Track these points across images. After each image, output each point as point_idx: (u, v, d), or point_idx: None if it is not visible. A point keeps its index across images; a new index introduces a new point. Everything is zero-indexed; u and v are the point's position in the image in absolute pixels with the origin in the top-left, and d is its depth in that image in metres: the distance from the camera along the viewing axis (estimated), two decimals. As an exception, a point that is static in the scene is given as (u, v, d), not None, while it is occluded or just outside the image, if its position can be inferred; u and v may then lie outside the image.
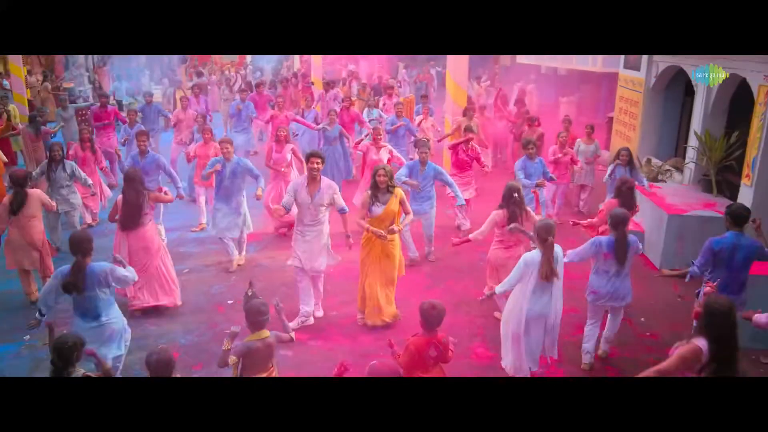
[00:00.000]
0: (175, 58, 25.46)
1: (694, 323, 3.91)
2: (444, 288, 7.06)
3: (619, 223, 5.18)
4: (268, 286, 6.91)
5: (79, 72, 21.67)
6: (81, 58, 23.64)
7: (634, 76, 11.50)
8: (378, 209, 5.97)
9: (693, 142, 9.17)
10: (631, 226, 5.88)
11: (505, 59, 23.63)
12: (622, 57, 12.10)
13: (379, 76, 20.79)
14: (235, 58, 28.10)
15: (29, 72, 19.76)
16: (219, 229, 7.46)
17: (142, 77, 22.16)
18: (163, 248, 6.51)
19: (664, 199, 8.12)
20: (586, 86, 17.68)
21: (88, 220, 9.08)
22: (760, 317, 4.27)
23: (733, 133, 8.35)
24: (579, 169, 9.52)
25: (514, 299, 5.01)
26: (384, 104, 13.04)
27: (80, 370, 3.64)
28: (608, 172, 8.07)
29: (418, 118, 11.80)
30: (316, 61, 20.15)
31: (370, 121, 11.46)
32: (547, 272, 4.75)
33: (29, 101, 16.53)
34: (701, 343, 3.45)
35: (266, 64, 28.13)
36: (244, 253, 7.85)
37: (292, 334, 4.21)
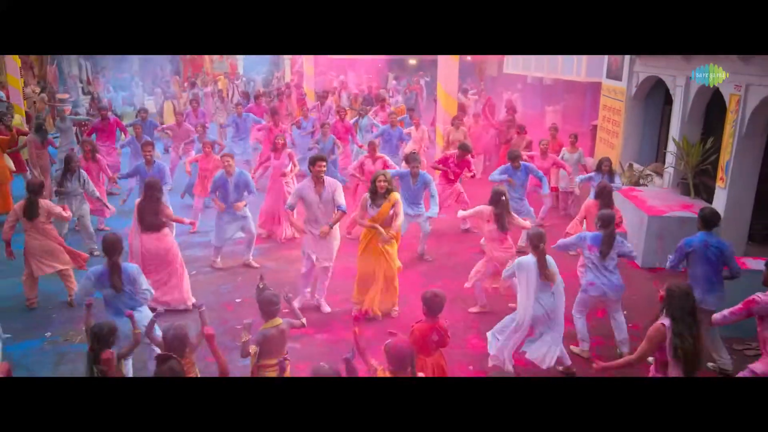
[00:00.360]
0: (167, 69, 25.80)
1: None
2: (440, 285, 7.39)
3: (608, 222, 5.71)
4: (273, 286, 7.27)
5: (73, 83, 21.92)
6: (75, 69, 23.91)
7: (616, 86, 12.04)
8: (373, 211, 6.48)
9: (672, 147, 9.70)
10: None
11: (491, 69, 24.20)
12: (605, 67, 12.65)
13: (368, 86, 21.31)
14: (227, 68, 28.49)
15: (24, 83, 19.98)
16: (220, 238, 7.93)
17: (135, 88, 22.46)
18: (178, 252, 6.89)
19: (645, 202, 8.62)
20: (570, 95, 18.21)
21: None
22: (716, 316, 4.75)
23: (709, 138, 8.88)
24: (564, 176, 10.02)
25: (522, 302, 5.43)
26: (377, 116, 13.52)
27: (114, 353, 4.04)
28: (584, 176, 8.58)
29: (408, 129, 12.26)
30: (308, 71, 20.62)
31: (363, 127, 12.00)
32: (546, 274, 5.22)
33: (26, 112, 16.80)
34: (665, 321, 3.97)
35: (257, 75, 28.57)
36: (252, 255, 8.22)
37: (303, 320, 4.59)
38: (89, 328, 4.08)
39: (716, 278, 5.49)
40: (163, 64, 26.20)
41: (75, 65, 24.05)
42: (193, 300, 6.82)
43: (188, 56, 26.56)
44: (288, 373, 4.32)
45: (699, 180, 9.10)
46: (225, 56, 29.15)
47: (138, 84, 22.76)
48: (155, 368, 3.76)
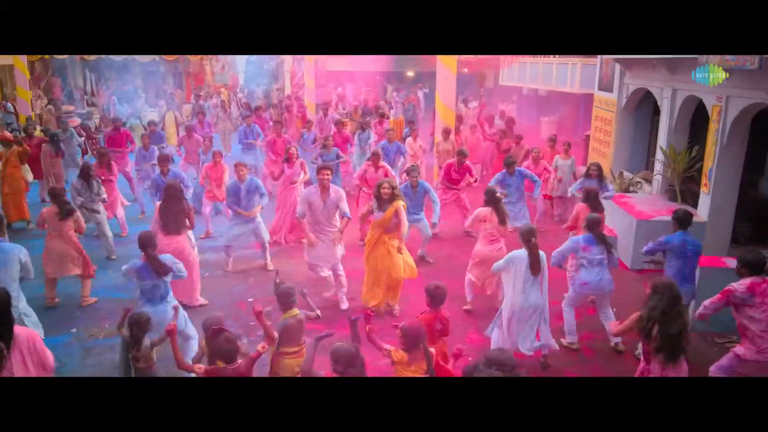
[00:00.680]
0: (170, 82, 26.31)
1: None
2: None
3: (595, 225, 6.23)
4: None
5: (79, 95, 22.41)
6: (80, 81, 24.40)
7: (607, 97, 12.54)
8: (378, 215, 6.95)
9: (659, 156, 10.18)
10: (605, 231, 6.93)
11: (488, 81, 24.81)
12: (597, 79, 13.17)
13: (365, 99, 21.92)
14: (228, 80, 29.03)
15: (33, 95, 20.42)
16: (230, 239, 8.42)
17: (137, 100, 22.94)
18: (194, 254, 7.33)
19: (634, 207, 9.08)
20: (565, 106, 18.77)
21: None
22: (699, 310, 5.15)
23: (694, 147, 9.36)
24: (557, 183, 10.50)
25: (509, 294, 5.90)
26: (375, 129, 14.06)
27: (147, 339, 4.47)
28: (577, 183, 9.05)
29: (408, 140, 12.75)
30: (309, 84, 21.13)
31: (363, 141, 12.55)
32: (535, 267, 5.67)
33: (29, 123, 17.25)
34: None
35: (257, 86, 29.14)
36: (269, 258, 8.68)
37: (318, 312, 5.03)
38: (129, 316, 4.52)
39: (689, 273, 6.01)
40: (165, 77, 26.75)
41: (80, 77, 24.56)
42: (202, 300, 7.31)
43: (191, 69, 27.04)
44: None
45: (685, 186, 9.58)
46: (226, 69, 29.74)
47: (141, 96, 23.25)
48: (210, 342, 4.04)
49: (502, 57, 19.40)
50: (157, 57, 23.51)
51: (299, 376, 4.45)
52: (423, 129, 16.66)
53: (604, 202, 7.84)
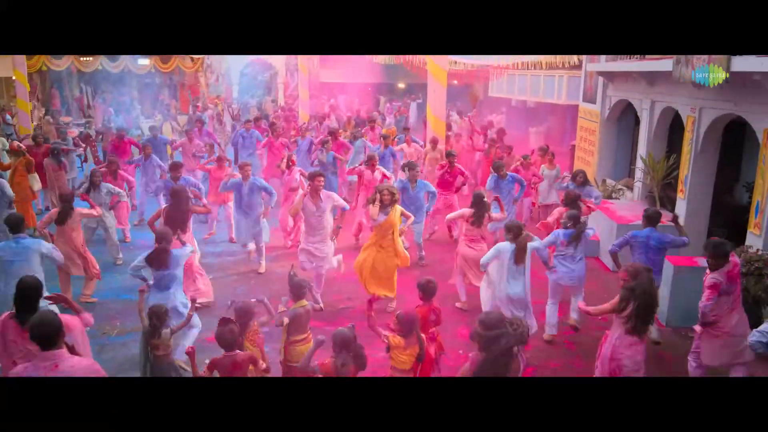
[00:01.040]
0: (166, 94, 26.74)
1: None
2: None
3: (573, 220, 6.83)
4: (282, 288, 8.17)
5: (77, 105, 22.81)
6: (77, 92, 24.83)
7: (591, 109, 13.09)
8: (381, 218, 7.41)
9: (640, 164, 10.71)
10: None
11: (478, 92, 25.38)
12: (581, 91, 13.72)
13: (358, 110, 22.52)
14: (223, 92, 29.47)
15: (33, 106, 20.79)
16: (240, 238, 8.95)
17: (133, 111, 23.34)
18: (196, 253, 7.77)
19: (615, 213, 9.59)
20: (552, 117, 19.32)
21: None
22: (701, 309, 5.48)
23: (672, 155, 9.89)
24: (543, 190, 11.01)
25: (491, 285, 6.40)
26: (368, 136, 14.55)
27: (168, 329, 4.90)
28: (564, 184, 9.56)
29: (400, 146, 13.24)
30: (303, 95, 21.66)
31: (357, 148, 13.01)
32: (519, 257, 6.23)
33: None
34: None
35: (252, 98, 29.61)
36: (263, 261, 9.11)
37: (321, 305, 5.50)
38: (149, 308, 4.95)
39: (655, 266, 6.49)
40: (161, 89, 27.20)
41: (76, 89, 25.00)
42: (204, 299, 7.68)
43: (185, 81, 27.48)
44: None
45: (664, 193, 10.09)
46: (220, 80, 30.19)
47: (136, 107, 23.67)
48: (219, 325, 4.47)
49: (491, 69, 19.94)
50: (152, 68, 23.91)
51: (298, 369, 4.78)
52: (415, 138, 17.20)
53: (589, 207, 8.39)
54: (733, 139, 9.34)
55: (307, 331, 5.24)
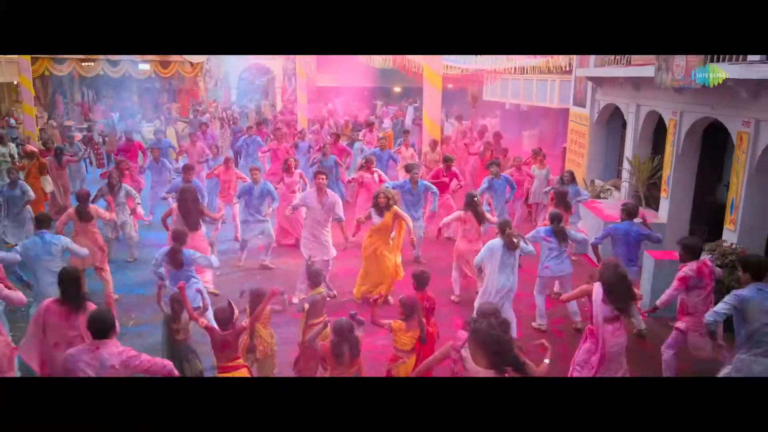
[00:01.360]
0: (165, 99, 27.16)
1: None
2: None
3: (554, 219, 7.29)
4: (285, 282, 8.67)
5: (79, 110, 23.22)
6: (78, 96, 25.22)
7: (581, 112, 13.59)
8: (377, 220, 7.88)
9: (627, 165, 11.20)
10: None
11: (477, 95, 25.92)
12: (572, 95, 14.23)
13: (356, 115, 23.04)
14: (221, 97, 29.90)
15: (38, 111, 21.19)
16: (246, 237, 9.44)
17: (134, 116, 23.74)
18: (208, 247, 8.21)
19: (602, 211, 10.05)
20: (545, 121, 19.82)
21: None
22: (662, 298, 6.00)
23: (656, 157, 10.40)
24: (534, 189, 11.50)
25: (486, 280, 6.87)
26: (366, 138, 15.06)
27: (186, 315, 5.37)
28: (550, 187, 10.06)
29: (397, 148, 13.73)
30: (302, 100, 22.12)
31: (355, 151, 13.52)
32: (510, 245, 6.64)
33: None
34: (596, 285, 5.31)
35: (250, 102, 30.07)
36: (270, 257, 9.63)
37: (335, 292, 6.04)
38: (170, 297, 5.42)
39: (633, 257, 7.08)
40: (160, 93, 27.63)
41: (78, 93, 25.41)
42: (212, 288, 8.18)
43: (185, 86, 27.89)
44: (328, 331, 5.53)
45: (649, 192, 10.59)
46: (219, 85, 30.65)
47: (136, 112, 24.08)
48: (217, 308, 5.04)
49: (485, 73, 20.46)
50: (152, 73, 24.32)
51: (306, 342, 5.35)
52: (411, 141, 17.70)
53: (581, 207, 8.90)
54: (715, 142, 9.84)
55: (323, 315, 5.71)
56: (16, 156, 13.36)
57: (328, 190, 8.13)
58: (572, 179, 9.73)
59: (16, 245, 7.41)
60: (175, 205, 8.15)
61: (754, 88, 7.21)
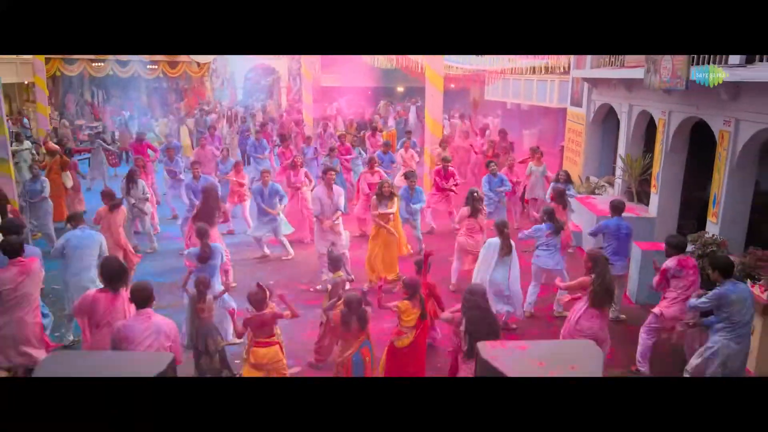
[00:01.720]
0: (173, 99, 27.73)
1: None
2: (431, 273, 9.41)
3: (549, 215, 7.76)
4: (294, 272, 9.28)
5: (89, 110, 23.79)
6: (88, 96, 25.78)
7: (578, 112, 14.10)
8: (384, 208, 8.54)
9: (620, 163, 11.72)
10: (571, 227, 8.95)
11: (476, 96, 26.41)
12: (569, 95, 14.73)
13: (361, 113, 23.57)
14: (228, 97, 30.44)
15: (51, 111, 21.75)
16: (257, 234, 10.09)
17: (144, 115, 24.30)
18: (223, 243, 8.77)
19: (596, 206, 10.58)
20: (545, 120, 20.30)
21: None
22: (650, 286, 6.63)
23: (647, 155, 10.90)
24: (531, 185, 12.02)
25: (480, 272, 7.39)
26: (369, 140, 15.66)
27: (211, 296, 5.93)
28: (549, 189, 10.57)
29: (400, 151, 14.25)
30: (307, 100, 22.64)
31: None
32: (504, 250, 7.17)
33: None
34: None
35: (256, 102, 30.61)
36: (290, 248, 10.27)
37: (353, 277, 6.76)
38: (195, 279, 6.00)
39: (623, 251, 7.57)
40: (168, 93, 28.20)
41: (88, 93, 25.97)
42: (233, 283, 8.73)
43: (192, 85, 28.45)
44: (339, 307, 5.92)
45: (641, 188, 11.11)
46: (225, 85, 31.20)
47: (145, 111, 24.64)
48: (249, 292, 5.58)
49: (487, 74, 20.95)
50: (161, 74, 24.88)
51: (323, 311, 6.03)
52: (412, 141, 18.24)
53: (573, 202, 9.42)
54: (704, 141, 10.32)
55: (340, 296, 6.25)
56: (35, 153, 13.93)
57: (335, 186, 8.86)
58: (568, 178, 10.26)
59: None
60: (197, 203, 8.70)
61: (734, 90, 7.72)
